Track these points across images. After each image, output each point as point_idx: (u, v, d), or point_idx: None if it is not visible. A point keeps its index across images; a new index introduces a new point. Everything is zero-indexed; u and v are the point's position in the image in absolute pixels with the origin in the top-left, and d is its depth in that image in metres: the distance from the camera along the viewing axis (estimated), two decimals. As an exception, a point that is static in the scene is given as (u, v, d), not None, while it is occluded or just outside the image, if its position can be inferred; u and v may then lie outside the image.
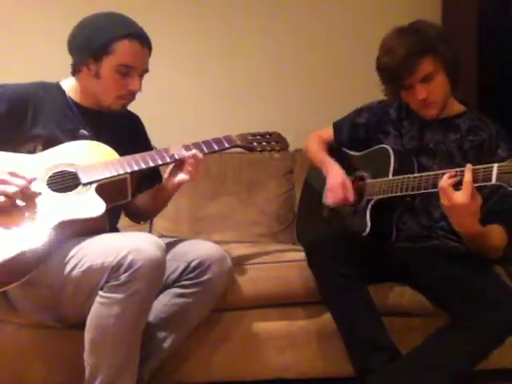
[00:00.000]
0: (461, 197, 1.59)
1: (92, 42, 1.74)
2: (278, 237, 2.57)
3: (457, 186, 1.61)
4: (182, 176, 1.77)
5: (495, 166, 1.55)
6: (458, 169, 1.64)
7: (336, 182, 1.97)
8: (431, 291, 1.85)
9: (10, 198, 1.55)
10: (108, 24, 1.76)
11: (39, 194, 1.61)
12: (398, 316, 1.91)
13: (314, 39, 2.84)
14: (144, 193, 1.91)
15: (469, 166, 1.59)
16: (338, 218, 2.04)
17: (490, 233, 1.73)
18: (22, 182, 1.56)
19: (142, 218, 2.01)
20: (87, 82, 1.80)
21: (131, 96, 1.81)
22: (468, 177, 1.58)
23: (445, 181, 1.63)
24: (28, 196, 1.59)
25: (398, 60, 1.78)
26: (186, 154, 1.76)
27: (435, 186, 1.67)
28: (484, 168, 1.57)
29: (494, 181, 1.54)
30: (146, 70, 1.82)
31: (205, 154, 1.82)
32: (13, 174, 1.57)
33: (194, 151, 1.76)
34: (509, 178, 1.51)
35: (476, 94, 2.53)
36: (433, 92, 1.82)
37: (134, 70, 1.77)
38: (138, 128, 1.99)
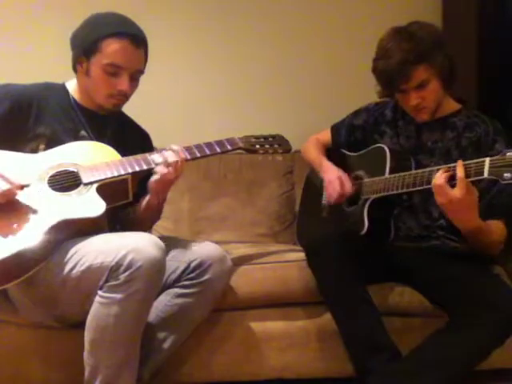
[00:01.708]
0: (456, 192, 1.60)
1: (84, 41, 1.76)
2: (278, 237, 2.57)
3: (451, 182, 1.62)
4: (155, 177, 1.73)
5: (487, 160, 1.56)
6: (450, 164, 1.65)
7: (333, 177, 2.00)
8: (431, 291, 1.86)
9: None
10: (100, 23, 1.77)
11: (39, 193, 1.61)
12: (398, 316, 1.91)
13: (312, 40, 2.83)
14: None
15: (460, 162, 1.61)
16: (338, 218, 2.04)
17: (489, 228, 1.74)
18: (5, 187, 1.56)
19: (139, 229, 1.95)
20: (82, 81, 1.81)
21: (122, 96, 1.80)
22: (460, 172, 1.59)
23: (438, 178, 1.63)
24: (28, 195, 1.59)
25: (393, 66, 1.80)
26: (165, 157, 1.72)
27: (429, 182, 1.68)
28: (476, 163, 1.58)
29: (486, 175, 1.55)
30: (140, 71, 1.81)
31: (207, 156, 1.82)
32: (3, 178, 1.56)
33: (174, 156, 1.72)
34: (501, 172, 1.52)
35: (476, 93, 2.53)
36: (425, 98, 1.85)
37: (123, 70, 1.75)
38: (145, 145, 1.94)
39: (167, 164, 1.72)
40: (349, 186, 1.97)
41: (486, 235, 1.74)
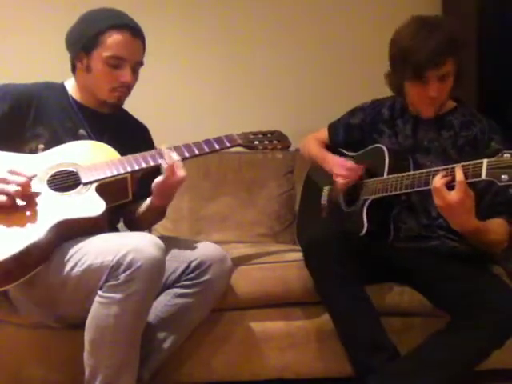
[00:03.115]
0: (454, 196, 1.60)
1: (82, 36, 1.76)
2: (278, 237, 2.57)
3: (449, 184, 1.62)
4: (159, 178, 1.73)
5: (485, 161, 1.55)
6: (449, 166, 1.64)
7: (337, 161, 2.00)
8: (431, 291, 1.86)
9: (11, 196, 1.56)
10: (98, 17, 1.77)
11: (39, 193, 1.61)
12: (398, 316, 1.91)
13: (312, 39, 2.84)
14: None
15: (459, 166, 1.61)
16: (337, 218, 2.04)
17: (489, 227, 1.74)
18: (22, 180, 1.57)
19: (139, 228, 1.92)
20: (82, 78, 1.81)
21: (125, 88, 1.80)
22: (460, 176, 1.59)
23: (437, 181, 1.63)
24: (28, 195, 1.59)
25: (428, 50, 1.75)
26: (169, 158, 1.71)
27: (427, 183, 1.68)
28: (474, 164, 1.58)
29: (483, 176, 1.55)
30: (140, 63, 1.82)
31: (206, 154, 1.81)
32: (13, 172, 1.57)
33: (175, 158, 1.71)
34: (498, 174, 1.52)
35: (476, 93, 2.53)
36: (442, 91, 1.84)
37: (125, 62, 1.76)
38: (144, 139, 1.95)
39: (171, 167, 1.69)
40: (355, 166, 1.95)
41: (484, 235, 1.74)
